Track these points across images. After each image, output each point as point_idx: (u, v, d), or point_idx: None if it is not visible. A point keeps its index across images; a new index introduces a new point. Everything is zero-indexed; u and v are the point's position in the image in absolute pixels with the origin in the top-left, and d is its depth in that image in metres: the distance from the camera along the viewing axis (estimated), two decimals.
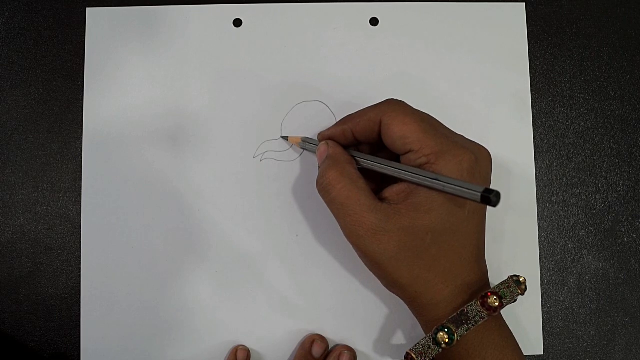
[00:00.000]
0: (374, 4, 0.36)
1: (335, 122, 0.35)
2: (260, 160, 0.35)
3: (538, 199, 0.36)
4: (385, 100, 0.30)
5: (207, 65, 0.36)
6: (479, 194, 0.24)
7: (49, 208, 0.35)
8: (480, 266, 0.29)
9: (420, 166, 0.27)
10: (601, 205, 0.36)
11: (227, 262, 0.35)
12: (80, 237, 0.35)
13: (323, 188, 0.29)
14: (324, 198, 0.30)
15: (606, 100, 0.36)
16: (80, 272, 0.35)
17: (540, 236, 0.35)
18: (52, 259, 0.35)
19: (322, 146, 0.31)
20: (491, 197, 0.24)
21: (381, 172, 0.29)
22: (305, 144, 0.34)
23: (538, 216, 0.35)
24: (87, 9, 0.36)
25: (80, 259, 0.35)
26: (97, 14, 0.36)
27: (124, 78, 0.36)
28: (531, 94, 0.36)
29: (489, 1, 0.37)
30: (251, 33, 0.36)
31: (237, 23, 0.36)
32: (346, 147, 0.31)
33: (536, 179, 0.36)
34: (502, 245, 0.35)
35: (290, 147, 0.35)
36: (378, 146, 0.31)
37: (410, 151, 0.28)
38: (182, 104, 0.35)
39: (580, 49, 0.37)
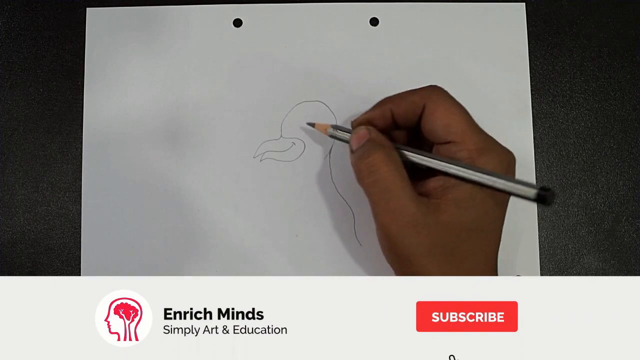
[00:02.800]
0: (374, 4, 0.36)
1: (335, 122, 0.35)
2: (260, 160, 0.35)
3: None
4: (429, 86, 0.29)
5: (207, 65, 0.36)
6: (535, 192, 0.24)
7: (49, 208, 0.35)
8: (496, 265, 0.29)
9: (460, 160, 0.27)
10: (601, 205, 0.36)
11: (227, 262, 0.35)
12: (80, 237, 0.35)
13: (367, 167, 0.28)
14: (365, 179, 0.28)
15: (606, 100, 0.36)
16: (80, 272, 0.35)
17: (540, 236, 0.35)
18: (52, 259, 0.35)
19: (363, 130, 0.29)
20: (547, 196, 0.23)
21: (427, 165, 0.28)
22: (336, 131, 0.32)
23: (538, 216, 0.35)
24: (87, 9, 0.36)
25: (80, 259, 0.35)
26: (97, 14, 0.36)
27: (124, 78, 0.36)
28: (531, 94, 0.36)
29: (489, 1, 0.37)
30: (251, 33, 0.36)
31: (237, 23, 0.36)
32: (384, 131, 0.30)
33: (536, 179, 0.36)
34: (502, 245, 0.35)
35: (291, 147, 0.35)
36: (412, 134, 0.30)
37: (451, 142, 0.27)
38: (182, 104, 0.35)
39: (580, 49, 0.37)
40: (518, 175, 0.35)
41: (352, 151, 0.30)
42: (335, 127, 0.32)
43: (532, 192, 0.24)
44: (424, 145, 0.30)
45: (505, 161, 0.27)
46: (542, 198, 0.24)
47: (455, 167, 0.27)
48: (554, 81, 0.36)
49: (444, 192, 0.27)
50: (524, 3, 0.37)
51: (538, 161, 0.36)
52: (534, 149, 0.36)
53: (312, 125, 0.34)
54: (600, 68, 0.37)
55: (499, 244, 0.28)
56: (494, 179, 0.25)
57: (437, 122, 0.27)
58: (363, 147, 0.29)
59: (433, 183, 0.28)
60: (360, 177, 0.28)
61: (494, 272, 0.28)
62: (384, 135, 0.30)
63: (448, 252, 0.26)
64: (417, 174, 0.29)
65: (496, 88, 0.36)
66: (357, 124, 0.30)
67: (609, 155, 0.36)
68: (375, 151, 0.28)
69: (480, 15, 0.36)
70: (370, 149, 0.28)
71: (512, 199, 0.27)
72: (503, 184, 0.25)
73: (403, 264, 0.27)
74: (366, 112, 0.30)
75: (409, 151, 0.29)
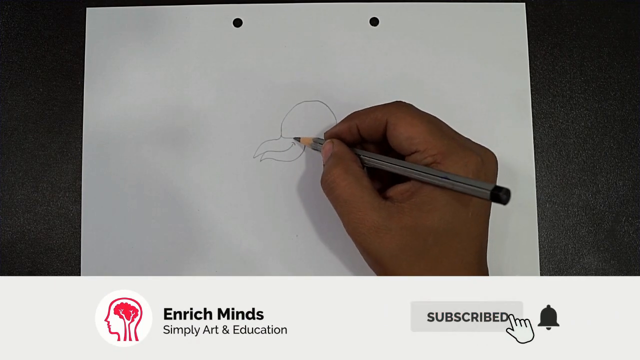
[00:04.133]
0: (374, 4, 0.36)
1: (335, 122, 0.35)
2: (260, 160, 0.35)
3: (538, 199, 0.35)
4: (393, 102, 0.30)
5: (207, 65, 0.36)
6: (489, 192, 0.24)
7: (49, 208, 0.35)
8: (482, 269, 0.29)
9: (426, 165, 0.27)
10: (601, 205, 0.36)
11: (227, 262, 0.35)
12: (80, 237, 0.35)
13: (327, 185, 0.29)
14: (328, 195, 0.30)
15: (606, 100, 0.36)
16: (80, 272, 0.35)
17: (540, 236, 0.35)
18: (52, 259, 0.35)
19: (327, 144, 0.31)
20: (500, 195, 0.24)
21: (388, 170, 0.29)
22: (317, 144, 0.34)
23: (538, 216, 0.35)
24: (87, 9, 0.36)
25: (80, 259, 0.35)
26: (97, 14, 0.36)
27: (124, 78, 0.36)
28: (531, 94, 0.36)
29: (489, 1, 0.37)
30: (251, 33, 0.36)
31: (237, 23, 0.36)
32: (352, 144, 0.32)
33: (536, 179, 0.36)
34: (502, 246, 0.35)
35: (291, 147, 0.35)
36: (382, 146, 0.31)
37: (416, 151, 0.28)
38: (182, 104, 0.35)
39: (580, 49, 0.37)
40: (517, 174, 0.35)
41: (324, 165, 0.31)
42: (316, 141, 0.34)
43: (486, 193, 0.24)
44: (396, 156, 0.30)
45: (472, 163, 0.27)
46: (497, 197, 0.24)
47: (415, 170, 0.27)
48: (554, 81, 0.36)
49: (408, 196, 0.28)
50: (524, 3, 0.37)
51: (538, 161, 0.36)
52: (534, 149, 0.36)
53: (298, 139, 0.35)
54: (600, 68, 0.37)
55: (479, 247, 0.28)
56: (452, 181, 0.26)
57: (400, 137, 0.28)
58: (326, 164, 0.30)
59: (400, 187, 0.28)
60: (326, 193, 0.30)
61: (478, 275, 0.28)
62: (353, 146, 0.31)
63: (417, 255, 0.27)
64: (393, 179, 0.29)
65: (496, 88, 0.36)
66: (328, 135, 0.32)
67: (609, 155, 0.36)
68: (333, 167, 0.29)
69: (480, 15, 0.36)
70: (330, 166, 0.30)
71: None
72: (461, 185, 0.25)
73: (377, 267, 0.29)
74: (335, 126, 0.32)
75: (372, 157, 0.30)
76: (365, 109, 0.30)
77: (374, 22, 0.36)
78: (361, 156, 0.30)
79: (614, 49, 0.37)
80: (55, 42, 0.36)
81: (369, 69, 0.36)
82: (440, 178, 0.26)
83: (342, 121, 0.32)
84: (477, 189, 0.25)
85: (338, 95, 0.35)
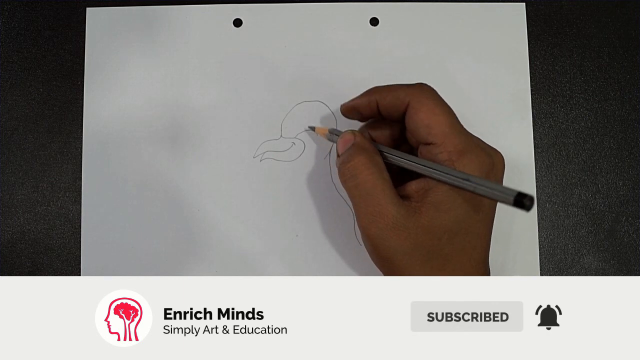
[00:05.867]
0: (374, 4, 0.36)
1: (335, 122, 0.35)
2: (260, 160, 0.35)
3: (538, 199, 0.35)
4: (417, 84, 0.29)
5: (207, 65, 0.36)
6: (512, 198, 0.24)
7: (49, 208, 0.35)
8: (486, 268, 0.29)
9: (440, 162, 0.27)
10: (601, 205, 0.36)
11: (227, 262, 0.35)
12: (80, 237, 0.35)
13: (349, 171, 0.28)
14: (347, 183, 0.29)
15: (606, 100, 0.36)
16: (80, 272, 0.35)
17: (540, 236, 0.35)
18: (52, 259, 0.35)
19: (348, 134, 0.30)
20: (524, 201, 0.24)
21: (408, 168, 0.28)
22: (332, 135, 0.33)
23: (538, 216, 0.35)
24: (87, 9, 0.36)
25: (80, 259, 0.35)
26: (97, 14, 0.36)
27: (124, 78, 0.36)
28: (531, 94, 0.36)
29: (489, 1, 0.37)
30: (251, 33, 0.36)
31: (237, 23, 0.36)
32: (367, 118, 0.31)
33: (536, 179, 0.36)
34: (502, 245, 0.35)
35: (291, 147, 0.35)
36: (396, 126, 0.31)
37: (432, 144, 0.27)
38: (182, 104, 0.35)
39: (580, 49, 0.37)
40: (517, 174, 0.35)
41: (338, 155, 0.30)
42: (332, 131, 0.33)
43: (510, 199, 0.24)
44: (411, 142, 0.30)
45: (485, 164, 0.27)
46: (521, 203, 0.24)
47: (437, 170, 0.27)
48: (554, 81, 0.36)
49: (424, 195, 0.27)
50: (524, 3, 0.37)
51: (538, 161, 0.36)
52: (534, 149, 0.36)
53: (313, 128, 0.34)
54: (600, 68, 0.37)
55: (486, 246, 0.28)
56: (474, 184, 0.25)
57: (419, 123, 0.28)
58: (347, 152, 0.29)
59: (414, 185, 0.28)
60: (343, 180, 0.29)
61: (482, 274, 0.28)
62: (369, 137, 0.31)
63: (430, 254, 0.27)
64: (404, 177, 0.29)
65: (496, 88, 0.36)
66: (345, 107, 0.31)
67: (609, 155, 0.36)
68: (357, 155, 0.28)
69: (480, 15, 0.36)
70: (353, 153, 0.29)
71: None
72: (483, 189, 0.25)
73: (385, 265, 0.28)
74: (354, 99, 0.31)
75: (392, 153, 0.29)
76: (387, 85, 0.30)
77: (374, 22, 0.36)
78: (383, 152, 0.30)
79: (614, 49, 0.37)
80: (55, 42, 0.36)
81: (369, 69, 0.36)
82: (461, 180, 0.26)
83: (362, 95, 0.31)
84: (500, 194, 0.24)
85: (338, 95, 0.35)
